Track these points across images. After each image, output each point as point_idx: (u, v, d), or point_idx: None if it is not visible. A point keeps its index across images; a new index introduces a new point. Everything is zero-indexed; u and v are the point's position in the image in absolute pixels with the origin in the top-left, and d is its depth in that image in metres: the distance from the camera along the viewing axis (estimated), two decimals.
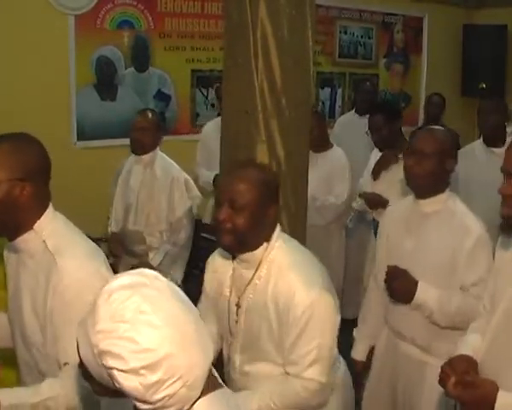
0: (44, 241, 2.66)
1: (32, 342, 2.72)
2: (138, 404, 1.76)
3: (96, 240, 5.90)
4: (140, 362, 1.68)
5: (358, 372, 3.94)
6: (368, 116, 5.84)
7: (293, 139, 3.91)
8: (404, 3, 9.76)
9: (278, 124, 3.83)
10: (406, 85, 10.05)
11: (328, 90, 9.25)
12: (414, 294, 3.47)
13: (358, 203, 5.51)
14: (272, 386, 2.95)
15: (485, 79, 9.83)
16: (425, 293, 3.44)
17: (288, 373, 2.94)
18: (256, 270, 2.95)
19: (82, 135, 7.14)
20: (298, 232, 4.01)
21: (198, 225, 6.19)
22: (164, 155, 5.66)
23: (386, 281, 3.61)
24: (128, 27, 7.43)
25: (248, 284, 2.98)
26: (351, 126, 7.24)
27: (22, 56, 6.60)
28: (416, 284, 3.48)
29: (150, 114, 5.65)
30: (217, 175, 4.79)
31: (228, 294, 3.09)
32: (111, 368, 1.70)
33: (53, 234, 2.69)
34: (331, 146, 6.20)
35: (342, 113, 8.96)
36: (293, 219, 3.98)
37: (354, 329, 4.05)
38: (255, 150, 3.83)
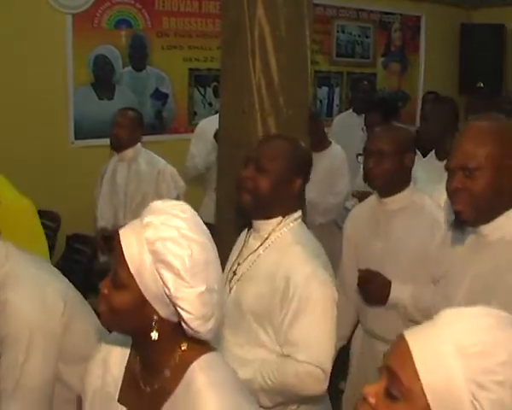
0: None
1: None
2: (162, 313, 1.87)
3: (93, 239, 5.94)
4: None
5: None
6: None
7: None
8: (401, 3, 9.78)
9: (275, 122, 3.84)
10: (404, 84, 10.07)
11: (325, 89, 9.26)
12: (388, 295, 3.44)
13: (351, 203, 5.47)
14: (267, 364, 2.87)
15: (482, 78, 9.87)
16: (399, 291, 3.41)
17: (285, 355, 2.88)
18: (264, 240, 2.98)
19: (80, 134, 7.13)
20: None
21: None
22: (147, 151, 5.75)
23: (359, 285, 3.56)
24: (126, 26, 7.43)
25: (252, 252, 3.00)
26: (348, 125, 7.23)
27: (20, 55, 6.59)
28: (389, 284, 3.44)
29: (129, 112, 5.75)
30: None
31: (232, 263, 3.12)
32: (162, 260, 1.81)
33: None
34: (329, 144, 6.17)
35: (340, 112, 8.93)
36: None
37: None
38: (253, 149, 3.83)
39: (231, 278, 3.05)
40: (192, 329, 1.86)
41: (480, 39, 10.05)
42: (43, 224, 6.49)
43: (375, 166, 3.48)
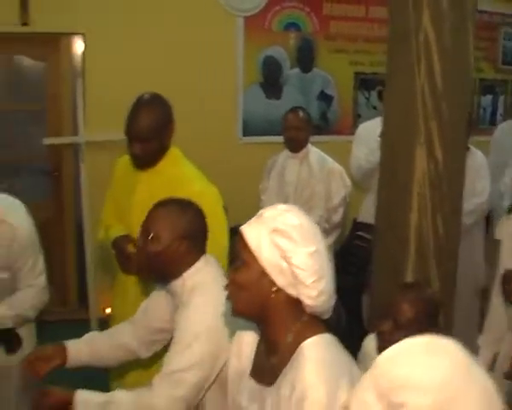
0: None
1: None
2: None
3: None
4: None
5: None
6: None
7: (452, 141, 3.98)
8: None
9: (438, 126, 3.90)
10: None
11: (489, 97, 9.13)
12: None
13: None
14: None
15: None
16: None
17: None
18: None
19: (247, 131, 7.50)
20: (452, 233, 4.08)
21: (353, 224, 6.39)
22: (316, 149, 5.94)
23: (502, 283, 3.56)
24: (294, 29, 7.70)
25: None
26: (510, 134, 7.15)
27: (192, 55, 7.00)
28: None
29: (301, 113, 5.91)
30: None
31: None
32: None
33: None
34: (468, 149, 6.08)
35: (504, 121, 8.76)
36: (449, 220, 4.04)
37: (479, 336, 3.90)
38: (414, 151, 3.95)
39: None
40: (307, 287, 2.14)
41: None
42: None
43: None
